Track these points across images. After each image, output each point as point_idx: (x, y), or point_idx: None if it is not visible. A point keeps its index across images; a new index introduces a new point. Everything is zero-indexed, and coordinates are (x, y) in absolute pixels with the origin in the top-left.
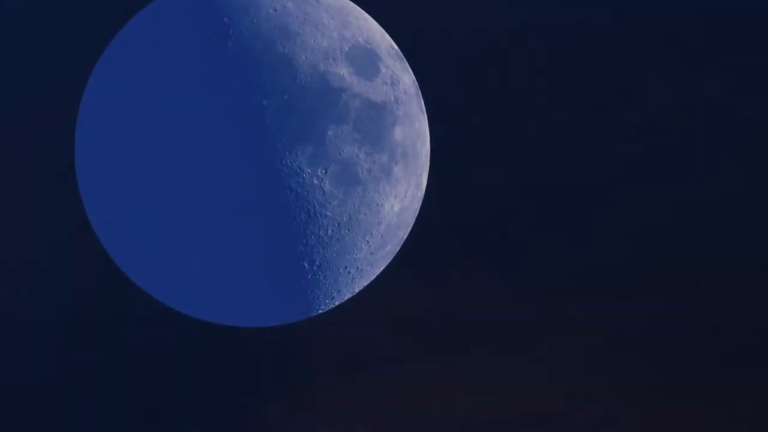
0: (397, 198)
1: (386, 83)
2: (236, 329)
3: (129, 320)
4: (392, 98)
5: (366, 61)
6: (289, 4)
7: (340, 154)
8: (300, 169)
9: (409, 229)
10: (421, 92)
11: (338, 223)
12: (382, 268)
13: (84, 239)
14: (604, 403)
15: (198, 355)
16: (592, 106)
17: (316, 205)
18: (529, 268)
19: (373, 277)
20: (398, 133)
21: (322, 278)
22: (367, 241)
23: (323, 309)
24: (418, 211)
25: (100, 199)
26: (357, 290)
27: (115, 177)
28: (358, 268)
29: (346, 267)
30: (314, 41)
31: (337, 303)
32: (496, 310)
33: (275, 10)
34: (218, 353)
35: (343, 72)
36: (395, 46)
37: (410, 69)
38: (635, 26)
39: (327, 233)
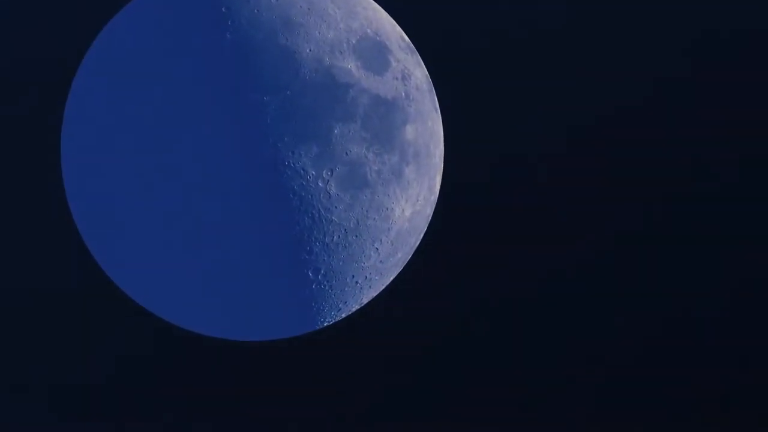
0: (408, 202)
1: (397, 78)
2: (236, 344)
3: (127, 335)
4: (403, 94)
5: (375, 54)
6: None
7: (346, 154)
8: (304, 170)
9: (422, 236)
10: (435, 88)
11: (345, 229)
12: (392, 278)
13: (75, 252)
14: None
15: (196, 372)
16: (619, 105)
17: (321, 210)
18: (552, 277)
19: (383, 287)
20: (410, 132)
21: (327, 288)
22: (376, 249)
23: (329, 321)
24: (431, 217)
25: (87, 208)
26: (365, 301)
27: (103, 182)
28: (366, 277)
29: (353, 276)
30: (319, 33)
31: (343, 315)
32: (514, 323)
33: None
34: (218, 369)
35: (350, 66)
36: (406, 38)
37: (422, 63)
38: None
39: (333, 240)
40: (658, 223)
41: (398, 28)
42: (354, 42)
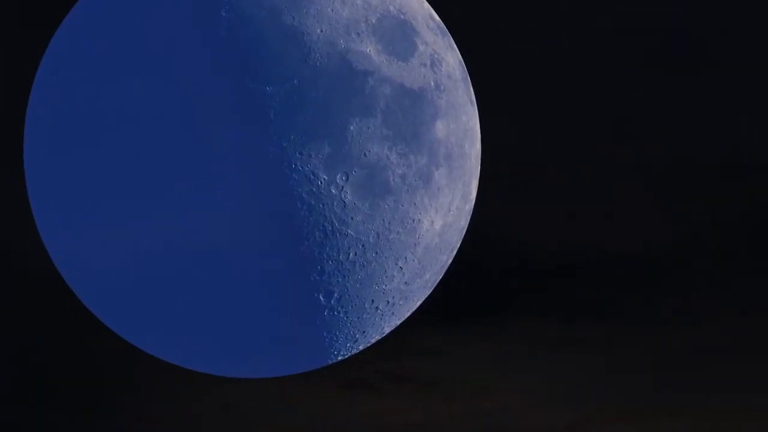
0: (438, 212)
1: (425, 64)
2: (233, 382)
3: (111, 372)
4: (432, 84)
5: (399, 35)
6: None
7: (365, 155)
8: (314, 174)
9: (454, 253)
10: (470, 76)
11: (363, 245)
12: (419, 303)
13: (45, 272)
14: None
15: (185, 415)
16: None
17: (335, 222)
18: (608, 303)
19: (408, 314)
20: (440, 128)
21: (342, 315)
22: (400, 268)
23: (344, 355)
24: (465, 230)
25: (56, 226)
26: (387, 330)
27: (74, 192)
28: (388, 302)
29: (373, 301)
30: (332, 10)
31: (361, 347)
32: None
33: None
34: (212, 411)
35: (369, 50)
36: (436, 17)
37: (455, 46)
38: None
39: (348, 258)
40: None
41: (426, 4)
42: (374, 21)
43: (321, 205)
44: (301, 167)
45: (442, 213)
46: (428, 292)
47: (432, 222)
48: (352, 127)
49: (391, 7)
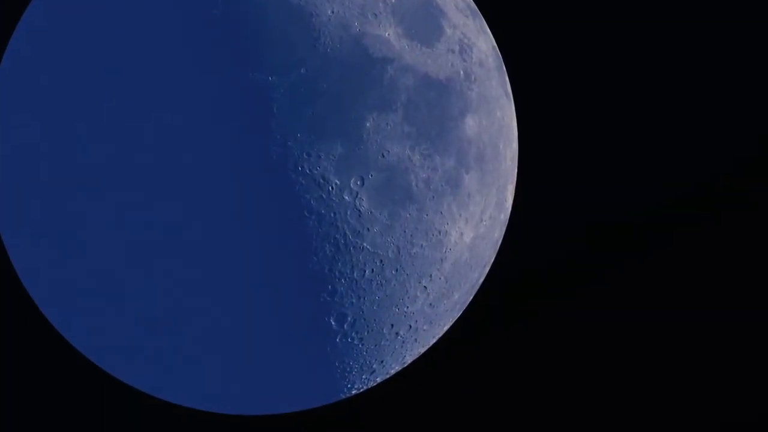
0: (468, 223)
1: (453, 51)
2: (234, 420)
3: (98, 408)
4: (461, 73)
5: (422, 17)
6: None
7: (383, 156)
8: (324, 179)
9: (487, 269)
10: (506, 64)
11: (381, 261)
12: (446, 328)
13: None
14: None
15: None
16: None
17: (349, 234)
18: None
19: (434, 341)
20: (471, 125)
21: (357, 342)
22: (424, 287)
23: (359, 388)
24: (500, 243)
25: (24, 239)
26: (409, 360)
27: (45, 202)
28: (410, 326)
29: (392, 326)
30: None
31: (379, 380)
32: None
33: None
34: None
35: (388, 34)
36: None
37: (488, 30)
38: None
39: (364, 275)
40: None
41: None
42: (393, 1)
43: (332, 215)
44: (309, 170)
45: (472, 223)
46: (457, 315)
47: (461, 234)
48: (368, 124)
49: None
